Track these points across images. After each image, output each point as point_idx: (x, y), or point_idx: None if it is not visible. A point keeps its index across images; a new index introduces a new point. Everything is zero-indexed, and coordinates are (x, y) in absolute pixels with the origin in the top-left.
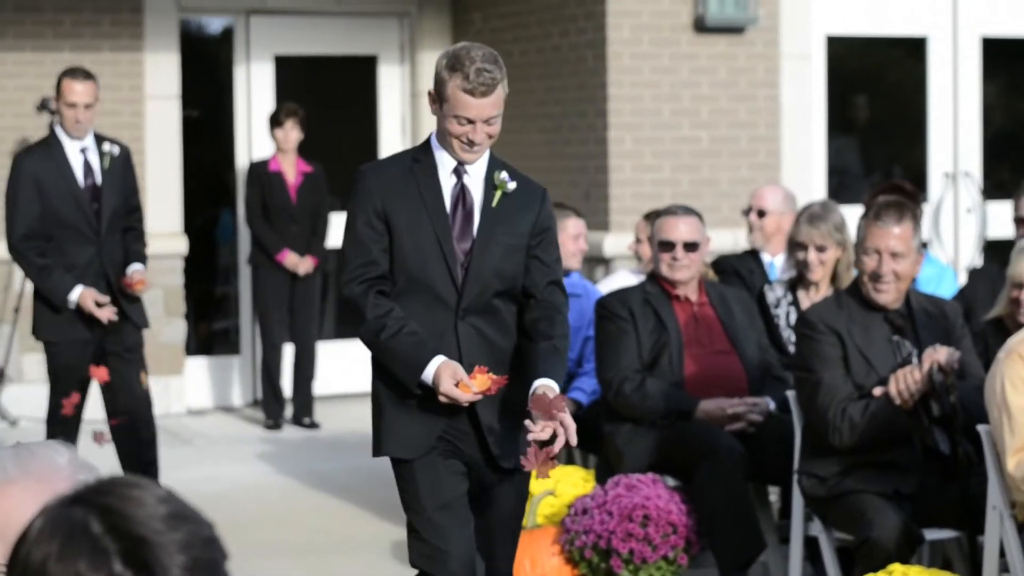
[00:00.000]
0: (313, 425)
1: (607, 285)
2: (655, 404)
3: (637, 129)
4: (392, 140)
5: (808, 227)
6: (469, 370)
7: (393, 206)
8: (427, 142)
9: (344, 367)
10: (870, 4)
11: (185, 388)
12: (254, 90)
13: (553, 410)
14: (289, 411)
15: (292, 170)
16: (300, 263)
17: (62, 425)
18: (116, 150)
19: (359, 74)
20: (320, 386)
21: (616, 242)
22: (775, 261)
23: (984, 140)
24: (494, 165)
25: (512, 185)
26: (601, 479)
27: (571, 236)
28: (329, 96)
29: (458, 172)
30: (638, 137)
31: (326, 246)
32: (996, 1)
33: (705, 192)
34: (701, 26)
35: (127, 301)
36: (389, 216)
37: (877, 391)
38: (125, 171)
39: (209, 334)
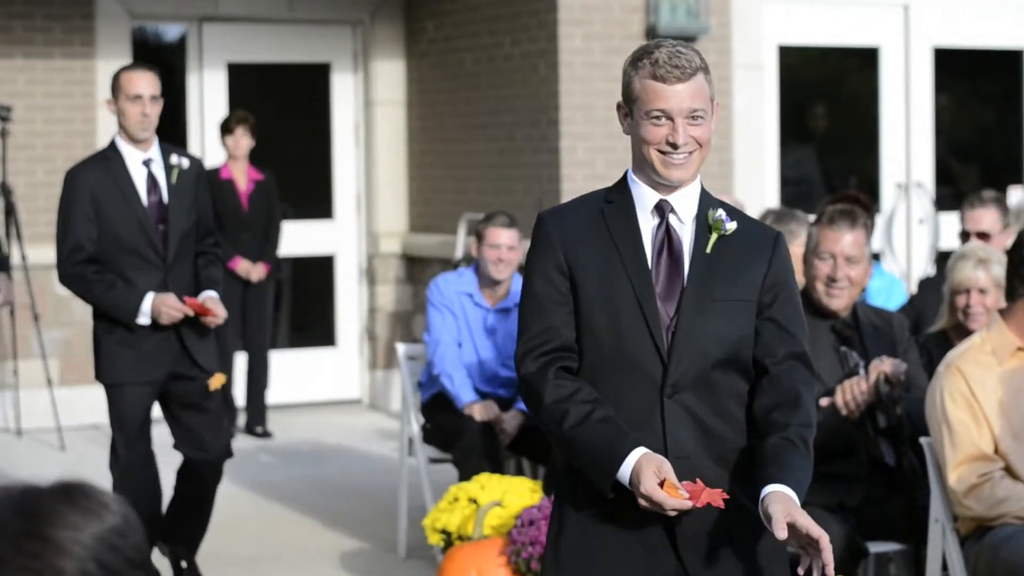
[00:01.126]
0: (266, 434)
1: None
2: None
3: (589, 138)
4: (345, 148)
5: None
6: (680, 468)
7: (578, 257)
8: (623, 178)
9: (298, 376)
10: (822, 14)
11: None
12: (207, 97)
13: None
14: (242, 420)
15: (243, 177)
16: (252, 270)
17: (128, 471)
18: (185, 163)
19: (312, 82)
20: (274, 395)
21: None
22: None
23: (936, 150)
24: (707, 202)
25: (732, 225)
26: (548, 490)
27: (490, 245)
28: (282, 104)
29: (661, 209)
30: (590, 146)
31: (278, 253)
32: (947, 12)
33: None
34: (653, 35)
35: (197, 339)
36: (574, 271)
37: (823, 402)
38: (197, 188)
39: None
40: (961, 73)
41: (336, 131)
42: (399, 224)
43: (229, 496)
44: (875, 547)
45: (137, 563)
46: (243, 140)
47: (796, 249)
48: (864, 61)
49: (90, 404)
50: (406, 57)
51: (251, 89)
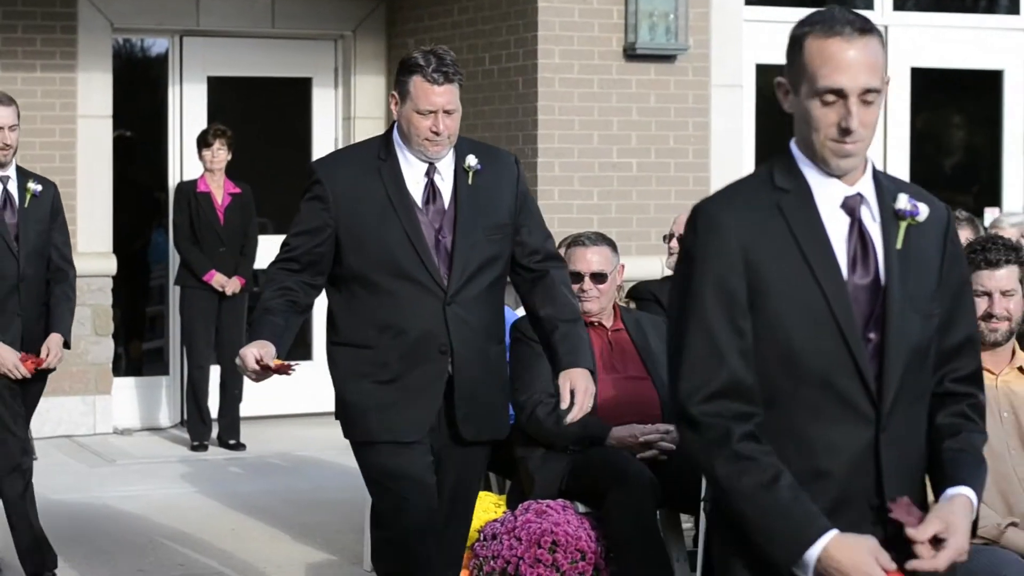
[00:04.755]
0: (239, 446)
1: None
2: (568, 429)
3: (566, 155)
4: None
5: None
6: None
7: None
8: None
9: (274, 389)
10: None
11: (112, 408)
12: (187, 111)
13: None
14: (215, 432)
15: (220, 191)
16: (227, 283)
17: None
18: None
19: (293, 96)
20: (250, 407)
21: None
22: None
23: (911, 171)
24: None
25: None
26: (512, 504)
27: None
28: (263, 118)
29: None
30: (567, 163)
31: (254, 267)
32: (924, 33)
33: (633, 219)
34: (631, 53)
35: None
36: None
37: None
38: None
39: (140, 354)
40: (937, 93)
41: (316, 146)
42: None
43: (197, 507)
44: None
45: None
46: (220, 153)
47: None
48: None
49: (61, 416)
50: (387, 72)
51: (231, 103)
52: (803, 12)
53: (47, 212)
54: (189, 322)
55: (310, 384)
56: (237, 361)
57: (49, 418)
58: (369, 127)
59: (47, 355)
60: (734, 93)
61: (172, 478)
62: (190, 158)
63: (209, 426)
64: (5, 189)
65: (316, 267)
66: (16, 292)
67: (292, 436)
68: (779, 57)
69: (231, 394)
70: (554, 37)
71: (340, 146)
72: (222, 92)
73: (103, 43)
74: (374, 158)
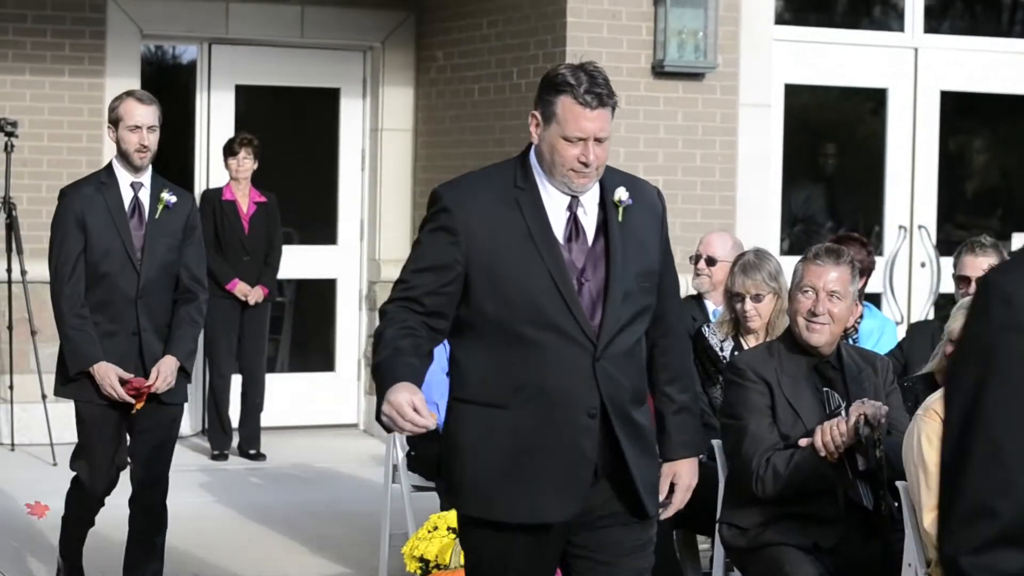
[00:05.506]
0: (259, 456)
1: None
2: None
3: None
4: (351, 174)
5: (743, 277)
6: None
7: None
8: None
9: (296, 400)
10: (830, 54)
11: None
12: (214, 118)
13: None
14: (236, 441)
15: (245, 200)
16: (250, 292)
17: None
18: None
19: (320, 106)
20: (272, 418)
21: None
22: (720, 309)
23: (940, 195)
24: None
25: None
26: None
27: None
28: (290, 127)
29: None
30: None
31: (277, 277)
32: (955, 55)
33: None
34: (660, 71)
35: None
36: None
37: (803, 442)
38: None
39: None
40: (968, 117)
41: (343, 157)
42: (402, 251)
43: (216, 517)
44: None
45: None
46: (246, 162)
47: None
48: (872, 102)
49: None
50: (415, 85)
51: (259, 112)
52: (831, 33)
53: (180, 226)
54: (211, 331)
55: (331, 396)
56: (387, 411)
57: (69, 424)
58: (397, 139)
59: (155, 379)
60: (762, 112)
61: (191, 487)
62: (216, 166)
63: (229, 435)
64: (136, 197)
65: (442, 312)
66: (133, 308)
67: (312, 447)
68: (807, 77)
69: (252, 404)
70: (582, 53)
71: (367, 158)
72: (250, 101)
73: (132, 49)
74: (511, 186)
